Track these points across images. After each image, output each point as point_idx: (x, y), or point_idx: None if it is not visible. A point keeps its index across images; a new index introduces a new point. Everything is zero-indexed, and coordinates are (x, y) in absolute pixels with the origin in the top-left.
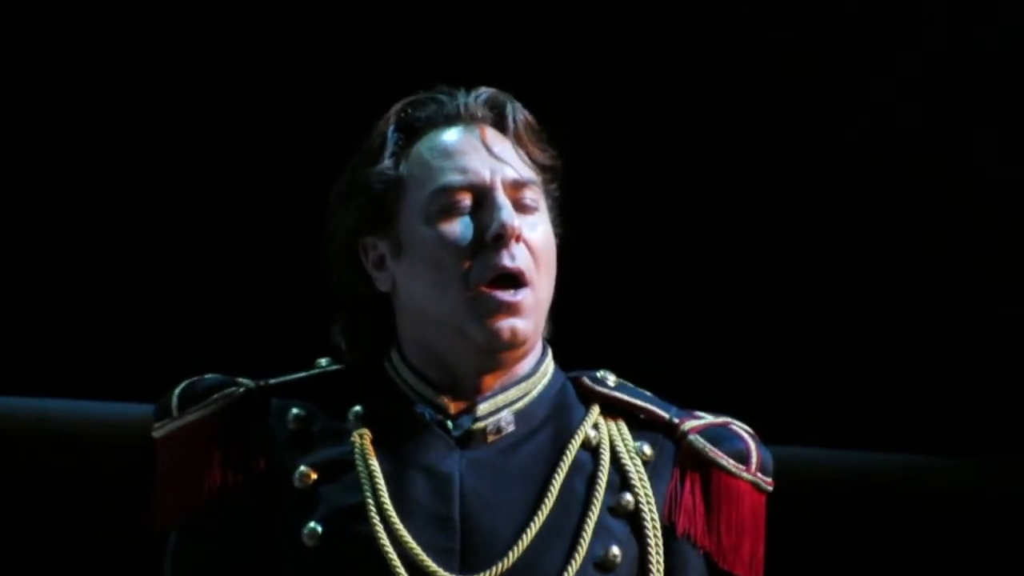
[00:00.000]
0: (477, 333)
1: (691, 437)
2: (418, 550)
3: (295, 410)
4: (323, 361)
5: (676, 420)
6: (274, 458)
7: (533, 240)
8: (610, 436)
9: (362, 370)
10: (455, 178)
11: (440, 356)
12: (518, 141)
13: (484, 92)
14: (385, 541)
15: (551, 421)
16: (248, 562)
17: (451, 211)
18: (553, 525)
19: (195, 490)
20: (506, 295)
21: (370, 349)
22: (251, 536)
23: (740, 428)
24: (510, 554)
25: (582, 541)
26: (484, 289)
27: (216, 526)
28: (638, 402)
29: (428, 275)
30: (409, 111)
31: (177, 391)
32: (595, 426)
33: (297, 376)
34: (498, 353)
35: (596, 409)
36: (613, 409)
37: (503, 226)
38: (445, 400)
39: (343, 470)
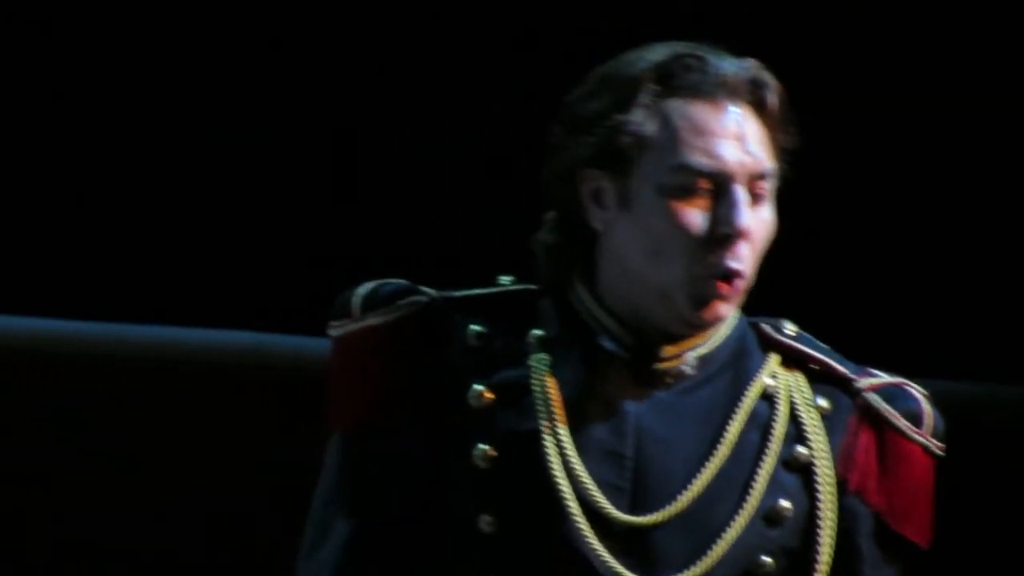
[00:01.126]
0: (684, 310)
1: (867, 394)
2: (590, 484)
3: (475, 326)
4: (504, 280)
5: (852, 376)
6: (450, 373)
7: (756, 232)
8: (788, 387)
9: (546, 293)
10: (700, 161)
11: (634, 307)
12: (771, 126)
13: (750, 66)
14: (557, 471)
15: (730, 367)
16: (413, 474)
17: (687, 192)
18: (725, 473)
19: (368, 394)
20: (724, 288)
21: (562, 270)
22: (419, 448)
23: (915, 389)
24: (680, 498)
25: (752, 492)
26: (704, 276)
27: (385, 434)
28: (816, 354)
29: (649, 244)
30: (671, 66)
31: (362, 292)
32: (773, 375)
33: (479, 292)
34: (696, 328)
35: (775, 358)
36: (791, 359)
37: (736, 229)
38: (629, 337)
39: (520, 393)
